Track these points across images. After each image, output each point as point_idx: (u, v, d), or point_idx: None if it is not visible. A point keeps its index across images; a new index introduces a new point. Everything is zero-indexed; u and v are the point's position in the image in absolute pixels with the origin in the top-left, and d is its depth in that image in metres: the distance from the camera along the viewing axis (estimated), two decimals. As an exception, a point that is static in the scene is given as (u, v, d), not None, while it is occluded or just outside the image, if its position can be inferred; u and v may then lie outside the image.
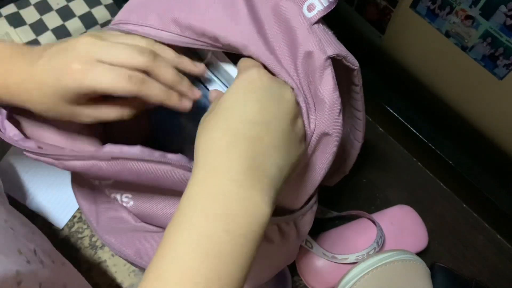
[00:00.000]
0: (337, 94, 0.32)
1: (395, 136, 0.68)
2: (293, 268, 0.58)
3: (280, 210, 0.39)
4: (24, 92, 0.32)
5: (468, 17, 0.51)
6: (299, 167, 0.35)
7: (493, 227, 0.62)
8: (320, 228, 0.61)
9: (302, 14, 0.32)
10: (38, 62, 0.31)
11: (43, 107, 0.32)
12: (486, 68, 0.54)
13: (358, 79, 0.37)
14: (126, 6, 0.37)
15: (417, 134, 0.64)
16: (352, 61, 0.34)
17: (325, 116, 0.33)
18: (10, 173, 0.63)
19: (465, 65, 0.56)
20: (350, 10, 0.68)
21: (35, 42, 0.67)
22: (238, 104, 0.29)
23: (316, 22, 0.33)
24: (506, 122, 0.58)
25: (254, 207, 0.25)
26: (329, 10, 0.33)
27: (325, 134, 0.34)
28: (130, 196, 0.37)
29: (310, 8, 0.32)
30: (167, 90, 0.33)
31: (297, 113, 0.31)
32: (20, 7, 0.71)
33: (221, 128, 0.28)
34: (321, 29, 0.33)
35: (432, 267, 0.55)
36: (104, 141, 0.41)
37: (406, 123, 0.64)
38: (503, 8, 0.47)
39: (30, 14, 0.70)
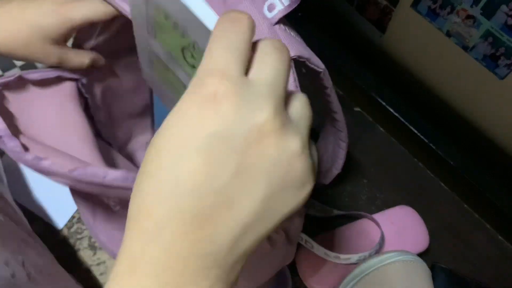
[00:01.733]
0: None
1: (395, 136, 0.68)
2: (293, 268, 0.58)
3: None
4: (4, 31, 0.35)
5: (469, 16, 0.51)
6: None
7: (494, 227, 0.62)
8: (320, 228, 0.61)
9: (262, 14, 0.31)
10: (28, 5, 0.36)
11: (19, 44, 0.36)
12: (487, 68, 0.54)
13: (326, 81, 0.36)
14: None
15: (418, 134, 0.64)
16: (317, 63, 0.33)
17: None
18: (9, 173, 0.63)
19: (466, 65, 0.56)
20: (351, 9, 0.68)
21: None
22: (171, 160, 0.18)
23: (278, 23, 0.31)
24: (507, 122, 0.57)
25: None
26: (290, 10, 0.31)
27: None
28: (117, 201, 0.37)
29: (271, 8, 0.31)
30: None
31: (305, 143, 0.19)
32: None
33: (145, 201, 0.18)
34: (283, 30, 0.32)
35: (432, 268, 0.54)
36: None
37: (406, 123, 0.64)
38: (504, 8, 0.47)
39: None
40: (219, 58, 0.18)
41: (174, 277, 0.18)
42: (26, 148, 0.32)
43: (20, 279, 0.39)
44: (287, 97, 0.20)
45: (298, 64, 0.32)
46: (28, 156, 0.30)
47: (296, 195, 0.20)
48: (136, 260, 0.18)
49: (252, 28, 0.20)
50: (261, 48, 0.20)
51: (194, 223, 0.18)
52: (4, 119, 0.34)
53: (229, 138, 0.18)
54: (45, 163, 0.30)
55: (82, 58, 0.40)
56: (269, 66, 0.19)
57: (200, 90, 0.18)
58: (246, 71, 0.19)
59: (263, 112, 0.18)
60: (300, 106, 0.20)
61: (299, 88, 0.31)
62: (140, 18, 0.32)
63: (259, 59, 0.19)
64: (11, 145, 0.31)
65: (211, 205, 0.18)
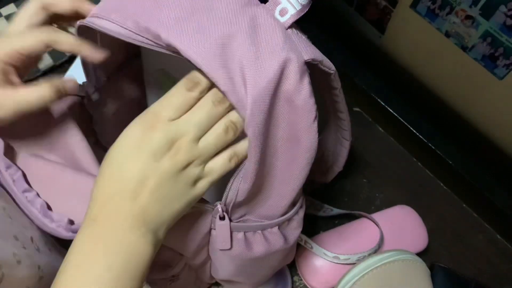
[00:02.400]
0: (313, 100, 0.32)
1: (395, 136, 0.68)
2: (293, 268, 0.58)
3: (261, 218, 0.39)
4: None
5: (468, 17, 0.52)
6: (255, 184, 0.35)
7: (493, 227, 0.62)
8: (320, 228, 0.61)
9: (275, 19, 0.31)
10: None
11: None
12: (486, 68, 0.54)
13: (336, 82, 0.36)
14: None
15: (417, 134, 0.64)
16: (328, 66, 0.34)
17: (298, 122, 0.32)
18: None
19: (465, 65, 0.56)
20: (350, 10, 0.68)
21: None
22: (121, 159, 0.30)
23: (290, 27, 0.32)
24: (506, 121, 0.58)
25: (132, 248, 0.29)
26: (302, 14, 0.31)
27: (295, 140, 0.33)
28: None
29: (283, 12, 0.31)
30: (77, 40, 0.35)
31: (187, 160, 0.31)
32: (19, 7, 0.71)
33: (103, 183, 0.31)
34: (295, 34, 0.32)
35: (432, 267, 0.55)
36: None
37: (406, 123, 0.64)
38: (503, 8, 0.47)
39: (30, 14, 0.70)
40: (162, 106, 0.31)
41: (119, 227, 0.29)
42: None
43: (31, 250, 0.40)
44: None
45: (308, 66, 0.32)
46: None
47: (187, 193, 0.32)
48: (96, 217, 0.30)
49: (202, 92, 0.31)
50: (199, 102, 0.31)
51: (129, 197, 0.29)
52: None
53: (147, 153, 0.30)
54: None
55: (40, 92, 0.34)
56: (193, 115, 0.31)
57: (143, 120, 0.31)
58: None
59: (178, 141, 0.30)
60: (208, 139, 0.31)
61: (312, 92, 0.32)
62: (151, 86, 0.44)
63: (192, 109, 0.31)
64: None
65: (140, 187, 0.30)
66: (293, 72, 0.30)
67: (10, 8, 0.71)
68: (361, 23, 0.68)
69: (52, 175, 0.37)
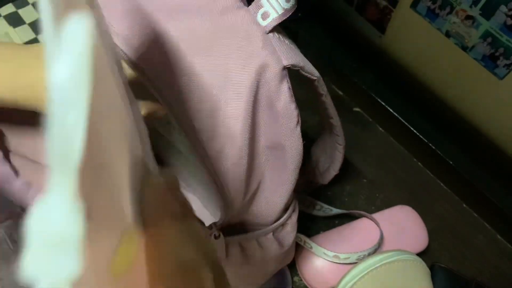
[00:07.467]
0: (293, 105, 0.31)
1: (395, 136, 0.68)
2: (293, 268, 0.58)
3: (254, 226, 0.39)
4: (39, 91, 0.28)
5: (468, 17, 0.51)
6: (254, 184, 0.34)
7: (494, 227, 0.62)
8: (320, 228, 0.61)
9: (256, 22, 0.30)
10: None
11: None
12: (487, 68, 0.54)
13: (321, 88, 0.35)
14: None
15: (417, 134, 0.64)
16: (311, 71, 0.33)
17: (280, 128, 0.32)
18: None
19: (466, 65, 0.56)
20: (350, 10, 0.68)
21: (34, 41, 0.67)
22: None
23: (271, 31, 0.31)
24: (506, 122, 0.57)
25: None
26: (284, 18, 0.31)
27: (279, 146, 0.33)
28: None
29: (265, 16, 0.30)
30: None
31: None
32: (18, 6, 0.71)
33: None
34: (276, 38, 0.31)
35: (432, 268, 0.55)
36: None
37: (406, 123, 0.64)
38: (503, 8, 0.47)
39: (29, 13, 0.70)
40: None
41: None
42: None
43: None
44: None
45: (293, 71, 0.32)
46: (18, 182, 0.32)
47: None
48: None
49: None
50: None
51: None
52: None
53: None
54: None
55: None
56: None
57: None
58: None
59: None
60: None
61: (293, 98, 0.31)
62: None
63: None
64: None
65: None
66: (271, 78, 0.30)
67: (8, 8, 0.71)
68: (361, 23, 0.68)
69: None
